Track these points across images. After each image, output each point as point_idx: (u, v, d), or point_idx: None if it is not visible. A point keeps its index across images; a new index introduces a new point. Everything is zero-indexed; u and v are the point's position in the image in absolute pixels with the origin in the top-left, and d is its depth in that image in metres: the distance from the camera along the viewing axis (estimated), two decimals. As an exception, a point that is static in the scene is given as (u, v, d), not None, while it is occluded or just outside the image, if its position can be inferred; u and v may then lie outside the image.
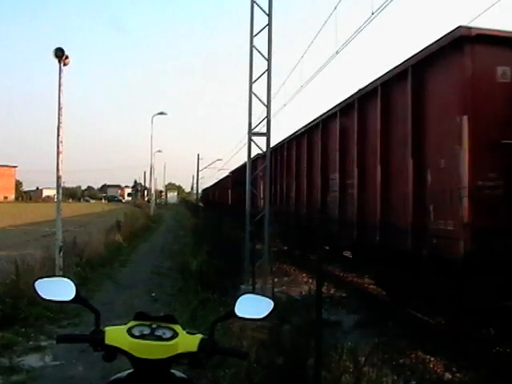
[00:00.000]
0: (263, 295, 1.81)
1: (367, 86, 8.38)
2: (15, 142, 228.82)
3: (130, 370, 1.60)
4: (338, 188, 9.74)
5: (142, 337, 1.56)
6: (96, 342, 1.59)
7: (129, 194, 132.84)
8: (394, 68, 7.34)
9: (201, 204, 59.53)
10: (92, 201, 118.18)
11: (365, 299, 9.01)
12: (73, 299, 1.68)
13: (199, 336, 1.62)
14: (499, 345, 6.03)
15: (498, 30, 5.94)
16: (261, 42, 9.46)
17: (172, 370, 1.62)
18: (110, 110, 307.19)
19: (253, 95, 9.51)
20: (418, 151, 6.62)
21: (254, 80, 9.50)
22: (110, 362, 1.60)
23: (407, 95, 6.83)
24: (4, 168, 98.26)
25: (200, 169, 57.84)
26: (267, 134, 9.55)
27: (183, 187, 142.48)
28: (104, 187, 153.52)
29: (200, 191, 75.47)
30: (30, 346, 5.92)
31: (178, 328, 1.62)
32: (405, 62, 6.99)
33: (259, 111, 9.86)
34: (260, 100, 9.50)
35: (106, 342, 1.57)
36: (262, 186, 13.29)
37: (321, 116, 11.12)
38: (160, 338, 1.57)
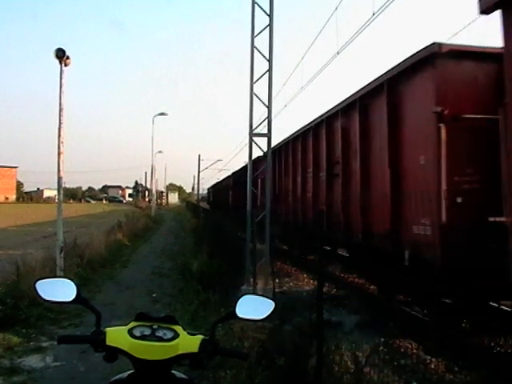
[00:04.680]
0: (264, 296, 1.81)
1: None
2: (16, 142, 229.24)
3: (130, 371, 1.60)
4: None
5: (143, 337, 1.56)
6: (97, 342, 1.59)
7: (130, 195, 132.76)
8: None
9: (202, 204, 58.84)
10: (93, 201, 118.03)
11: (365, 300, 8.99)
12: (74, 300, 1.68)
13: (200, 337, 1.62)
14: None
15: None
16: (262, 42, 9.45)
17: (173, 371, 1.62)
18: (111, 111, 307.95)
19: (254, 96, 9.50)
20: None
21: (254, 80, 9.49)
22: (110, 362, 1.60)
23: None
24: (5, 169, 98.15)
25: (201, 169, 57.98)
26: (268, 135, 9.55)
27: (184, 188, 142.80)
28: (105, 188, 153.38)
29: (205, 190, 74.93)
30: (31, 347, 5.91)
31: (178, 329, 1.62)
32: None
33: (260, 112, 9.87)
34: (261, 101, 9.49)
35: (107, 342, 1.57)
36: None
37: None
38: (161, 339, 1.57)
